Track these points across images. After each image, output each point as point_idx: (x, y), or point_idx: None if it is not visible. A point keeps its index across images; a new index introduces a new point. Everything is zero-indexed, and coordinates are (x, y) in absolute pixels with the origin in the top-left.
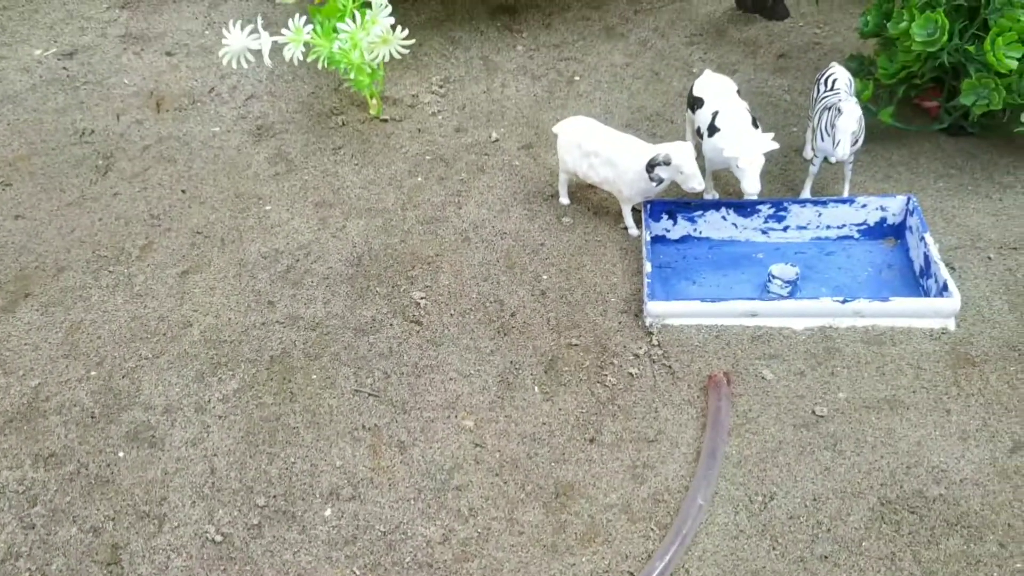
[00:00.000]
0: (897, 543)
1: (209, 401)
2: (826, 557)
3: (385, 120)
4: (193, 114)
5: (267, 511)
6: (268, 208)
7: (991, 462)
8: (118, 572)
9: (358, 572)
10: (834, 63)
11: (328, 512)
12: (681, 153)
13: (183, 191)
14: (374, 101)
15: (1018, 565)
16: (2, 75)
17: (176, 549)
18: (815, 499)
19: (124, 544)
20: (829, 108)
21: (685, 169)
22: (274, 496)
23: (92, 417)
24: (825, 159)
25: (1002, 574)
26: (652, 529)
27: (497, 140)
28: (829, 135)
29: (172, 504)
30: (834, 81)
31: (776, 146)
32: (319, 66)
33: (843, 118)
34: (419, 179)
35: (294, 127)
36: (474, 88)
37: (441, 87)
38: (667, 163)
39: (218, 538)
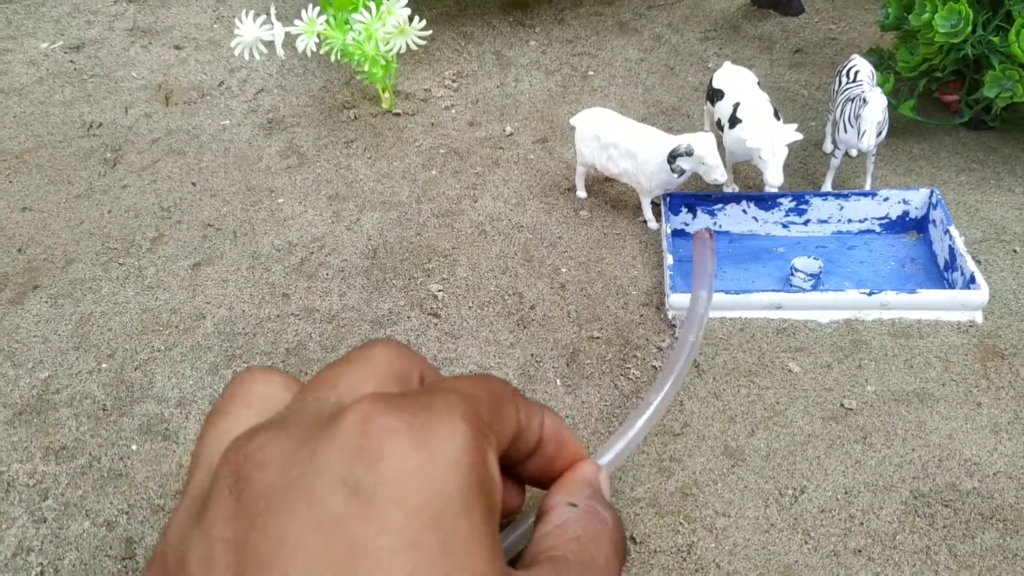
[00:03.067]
0: (931, 537)
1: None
2: (859, 551)
3: (398, 114)
4: (203, 107)
5: None
6: (280, 201)
7: None
8: (133, 567)
9: None
10: (855, 55)
11: None
12: (703, 144)
13: (193, 184)
14: (386, 95)
15: None
16: (8, 68)
17: None
18: (846, 492)
19: (139, 538)
20: (853, 99)
21: (707, 160)
22: None
23: (104, 410)
24: (846, 153)
25: None
26: (681, 523)
27: (511, 134)
28: (853, 126)
29: None
30: (856, 73)
31: (800, 137)
32: (332, 58)
33: (869, 107)
34: (433, 172)
35: (305, 121)
36: (487, 83)
37: (454, 81)
38: (689, 154)
39: None
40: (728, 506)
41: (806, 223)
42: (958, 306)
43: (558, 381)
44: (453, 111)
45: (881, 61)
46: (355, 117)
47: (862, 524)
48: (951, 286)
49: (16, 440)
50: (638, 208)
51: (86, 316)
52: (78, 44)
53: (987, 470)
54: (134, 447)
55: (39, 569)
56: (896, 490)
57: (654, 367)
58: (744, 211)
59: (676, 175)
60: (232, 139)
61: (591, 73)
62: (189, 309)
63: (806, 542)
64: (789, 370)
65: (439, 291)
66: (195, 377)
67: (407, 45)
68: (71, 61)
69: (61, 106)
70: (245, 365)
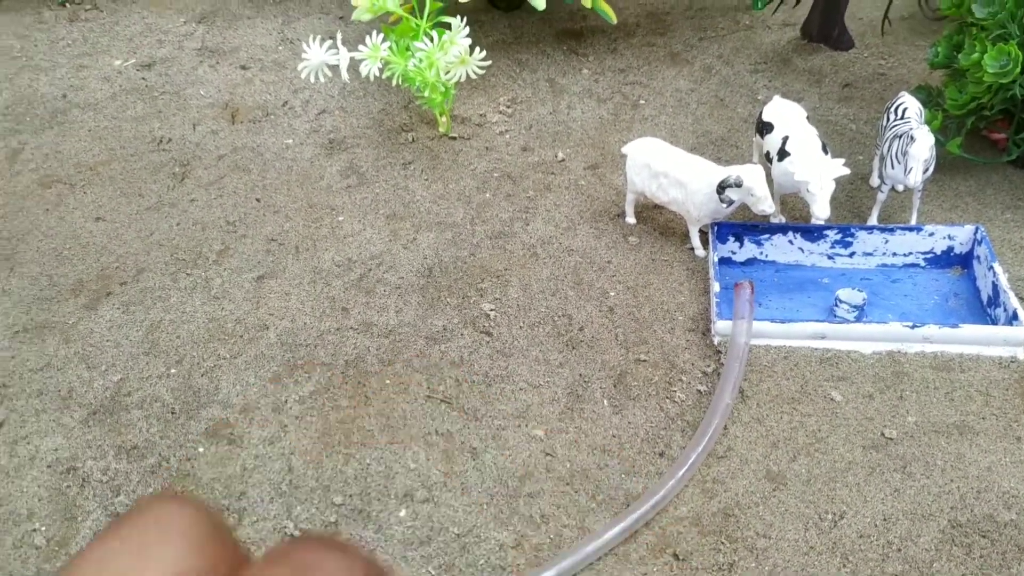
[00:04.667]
0: (968, 566)
1: (286, 402)
2: None
3: (454, 138)
4: (267, 126)
5: (343, 509)
6: (341, 219)
7: None
8: None
9: (433, 572)
10: (904, 92)
11: (403, 513)
12: (752, 175)
13: (258, 200)
14: (443, 119)
15: None
16: (84, 84)
17: (256, 542)
18: (885, 519)
19: None
20: (900, 136)
21: (756, 191)
22: (350, 495)
23: (172, 413)
24: (893, 188)
25: None
26: (723, 542)
27: (563, 160)
28: (900, 163)
29: (251, 499)
30: (904, 110)
31: (847, 171)
32: (393, 83)
33: (916, 145)
34: (487, 195)
35: (365, 142)
36: (540, 109)
37: (508, 107)
38: (738, 185)
39: (296, 534)
40: (769, 528)
41: (851, 255)
42: (1000, 342)
43: (605, 402)
44: (507, 136)
45: (930, 98)
46: (413, 139)
47: (900, 551)
48: (994, 322)
49: (90, 438)
50: (686, 236)
51: (156, 323)
52: (150, 62)
53: None
54: (200, 450)
55: None
56: (934, 519)
57: (699, 391)
58: (790, 242)
59: (725, 205)
60: (295, 158)
61: (642, 102)
62: (253, 320)
63: (844, 565)
64: (831, 399)
65: (491, 310)
66: (258, 385)
67: (467, 74)
68: (143, 78)
69: (133, 121)
70: (306, 375)
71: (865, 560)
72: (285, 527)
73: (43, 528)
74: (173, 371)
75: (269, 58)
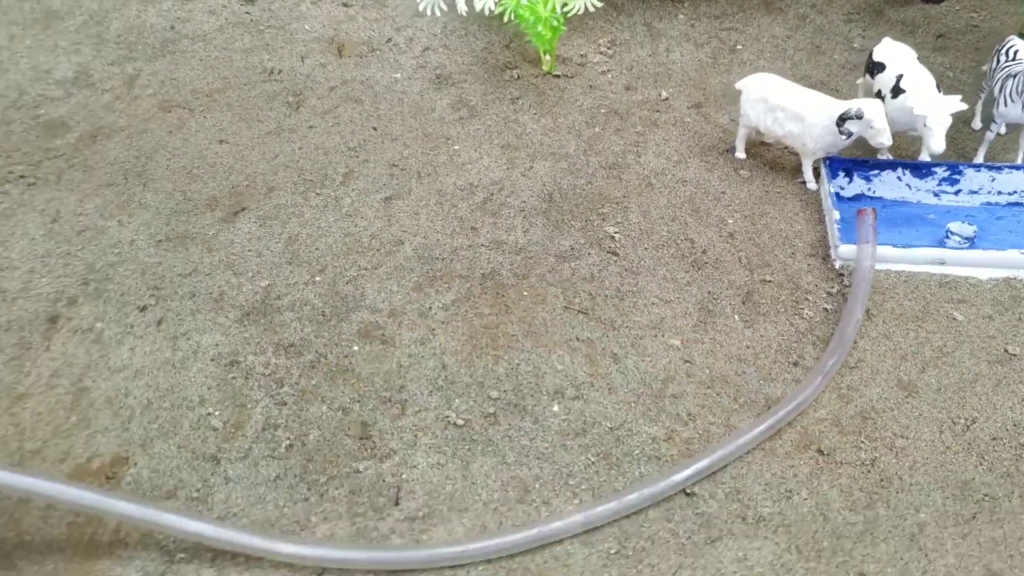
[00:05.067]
0: None
1: (430, 308)
2: None
3: (557, 76)
4: (373, 61)
5: (500, 403)
6: (456, 148)
7: None
8: (370, 445)
9: (592, 459)
10: (1012, 36)
11: (556, 408)
12: (873, 108)
13: (374, 128)
14: (547, 57)
15: None
16: (191, 16)
17: (422, 429)
18: (1015, 425)
19: (372, 422)
20: (1015, 75)
21: (876, 124)
22: (504, 391)
23: (323, 315)
24: (998, 130)
25: None
26: (863, 441)
27: (667, 99)
28: (1015, 101)
29: (411, 392)
30: (1015, 52)
31: (964, 107)
32: (505, 19)
33: None
34: (596, 129)
35: (471, 78)
36: (639, 51)
37: (608, 49)
38: (859, 117)
39: (459, 422)
40: (905, 430)
41: (956, 193)
42: None
43: (736, 317)
44: (609, 76)
45: None
46: (518, 77)
47: None
48: None
49: (248, 336)
50: (795, 170)
51: (293, 236)
52: None
53: None
54: (355, 348)
55: (288, 443)
56: None
57: (825, 309)
58: (899, 178)
59: (844, 137)
60: (404, 91)
61: (739, 47)
62: (387, 235)
63: (980, 464)
64: (953, 318)
65: (616, 233)
66: (402, 292)
67: (586, 7)
68: (247, 13)
69: (242, 53)
70: (446, 286)
71: (1000, 459)
72: (447, 416)
73: (217, 413)
74: (318, 279)
75: None
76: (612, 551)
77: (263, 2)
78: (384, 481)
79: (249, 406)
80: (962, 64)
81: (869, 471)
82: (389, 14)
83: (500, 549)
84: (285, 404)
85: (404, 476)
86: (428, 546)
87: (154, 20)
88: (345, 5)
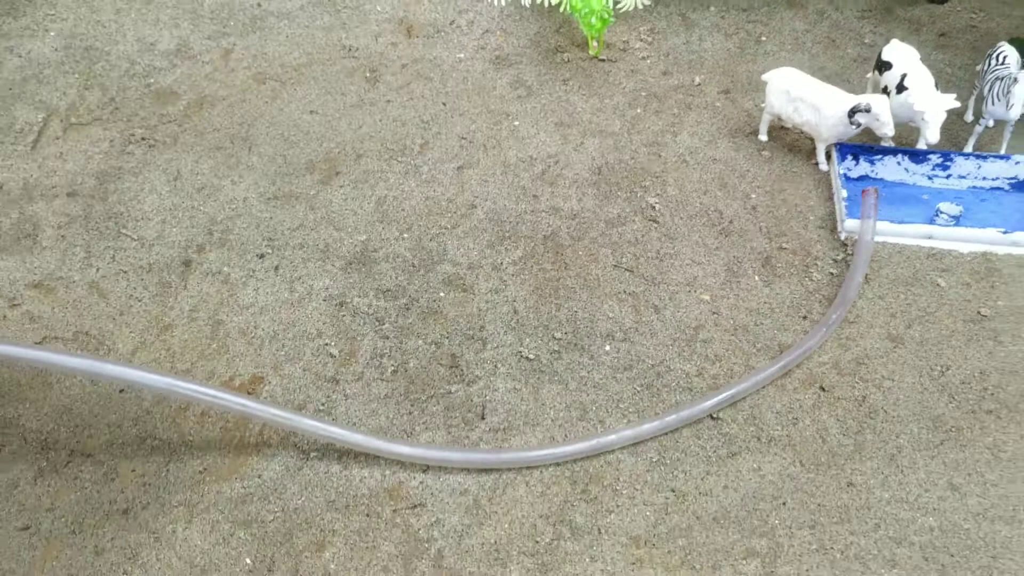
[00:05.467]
0: None
1: (502, 263)
2: (990, 411)
3: (603, 60)
4: (439, 41)
5: (562, 343)
6: (516, 123)
7: None
8: (459, 373)
9: (638, 389)
10: (1003, 42)
11: (608, 348)
12: (880, 104)
13: (444, 104)
14: (595, 43)
15: None
16: None
17: (500, 361)
18: (981, 372)
19: (459, 355)
20: (1002, 78)
21: (882, 117)
22: (565, 333)
23: (413, 266)
24: (987, 124)
25: None
26: (857, 382)
27: (700, 84)
28: (1001, 100)
29: (489, 332)
30: (1005, 57)
31: (958, 104)
32: (561, 9)
33: (1019, 86)
34: (638, 111)
35: (527, 59)
36: (675, 39)
37: (648, 36)
38: (867, 111)
39: (530, 357)
40: (892, 373)
41: (948, 177)
42: None
43: (756, 277)
44: (648, 61)
45: (1021, 49)
46: (568, 60)
47: (993, 395)
48: None
49: (352, 281)
50: (810, 153)
51: (382, 198)
52: None
53: None
54: (441, 294)
55: (392, 368)
56: (1019, 375)
57: (831, 273)
58: (898, 163)
59: (854, 127)
60: (468, 70)
61: (763, 39)
62: (462, 200)
63: (951, 401)
64: (937, 284)
65: (656, 203)
66: (478, 249)
67: (636, 4)
68: None
69: (322, 30)
70: (514, 244)
71: (967, 399)
72: (520, 351)
73: (332, 343)
74: (406, 236)
75: None
76: (654, 460)
77: None
78: (472, 401)
79: (358, 339)
80: (960, 61)
81: (860, 405)
82: None
83: (566, 455)
84: (387, 338)
85: (487, 397)
86: (509, 451)
87: None
88: None
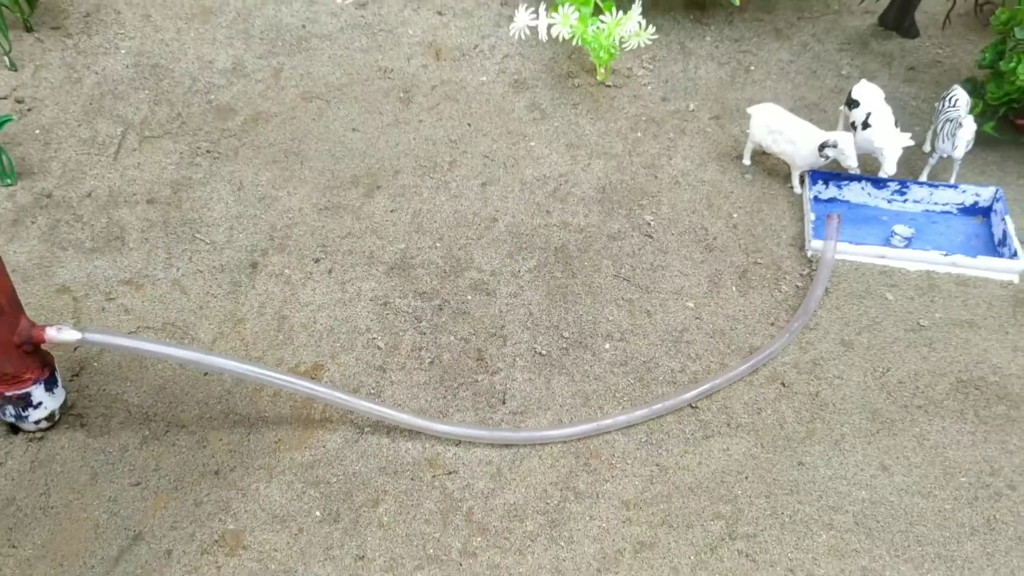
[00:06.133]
0: (965, 404)
1: (519, 271)
2: (920, 407)
3: (609, 86)
4: (464, 64)
5: (569, 341)
6: (532, 144)
7: None
8: (484, 365)
9: (631, 380)
10: (956, 85)
11: (607, 346)
12: (845, 140)
13: (469, 124)
14: (603, 70)
15: None
16: (317, 17)
17: (518, 355)
18: (916, 374)
19: (484, 349)
20: (951, 120)
21: (846, 152)
22: (572, 333)
23: (444, 272)
24: (940, 156)
25: None
26: (812, 379)
27: (694, 110)
28: (949, 140)
29: (509, 330)
30: (956, 100)
31: (912, 143)
32: (574, 42)
33: (963, 130)
34: (638, 134)
35: (541, 84)
36: (673, 67)
37: (649, 64)
38: (835, 146)
39: (543, 352)
40: (842, 372)
41: (904, 201)
42: (1004, 270)
43: (734, 288)
44: (649, 88)
45: (975, 89)
46: (577, 85)
47: (924, 393)
48: (1000, 256)
49: (393, 284)
50: (787, 177)
51: (417, 211)
52: (364, 1)
53: (1005, 372)
54: (469, 297)
55: (429, 360)
56: (947, 376)
57: (797, 286)
58: (862, 188)
59: (823, 159)
60: (490, 93)
61: (752, 68)
62: (485, 214)
63: (888, 398)
64: (886, 298)
65: (651, 220)
66: (499, 258)
67: (640, 43)
68: (361, 16)
69: (360, 52)
70: (530, 255)
71: (901, 396)
72: (535, 347)
73: (379, 337)
74: (438, 245)
75: (459, 7)
76: (642, 440)
77: (373, 6)
78: (495, 388)
79: (400, 334)
80: (925, 95)
81: (814, 399)
82: (475, 23)
83: (571, 435)
84: (424, 334)
85: (507, 386)
86: (525, 430)
87: (288, 19)
88: (440, 14)
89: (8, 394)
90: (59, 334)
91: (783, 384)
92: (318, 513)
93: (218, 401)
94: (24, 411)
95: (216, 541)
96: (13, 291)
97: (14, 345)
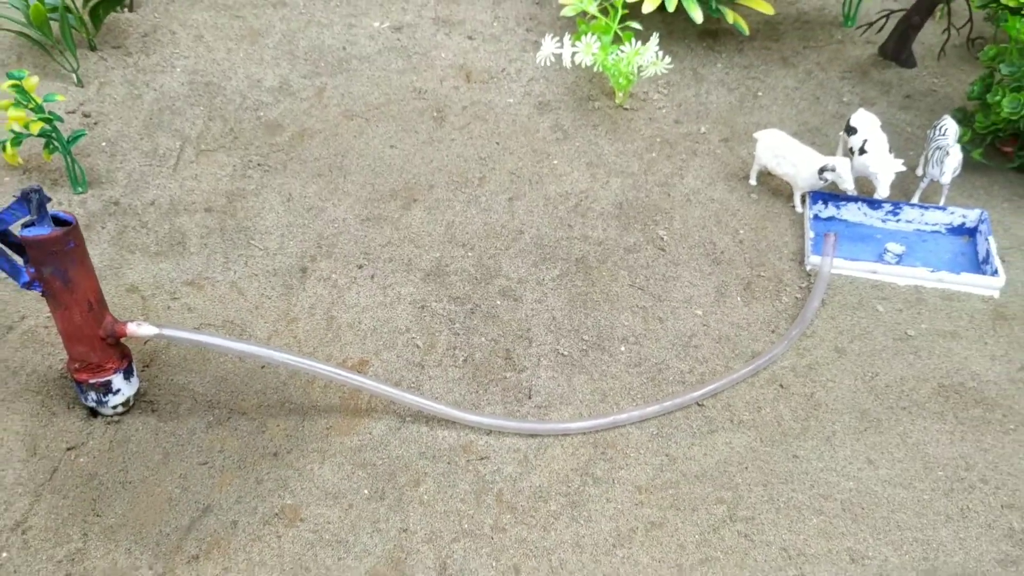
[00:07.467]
0: (945, 407)
1: (544, 280)
2: (904, 408)
3: (626, 109)
4: (493, 86)
5: (588, 343)
6: (555, 162)
7: (1007, 373)
8: (512, 363)
9: (645, 380)
10: (946, 115)
11: (623, 349)
12: (843, 165)
13: (497, 143)
14: (621, 94)
15: (1011, 427)
16: (355, 39)
17: (543, 356)
18: (902, 379)
19: (512, 350)
20: (940, 148)
21: (843, 175)
22: (591, 336)
23: (476, 279)
24: (931, 180)
25: (1003, 431)
26: (808, 381)
27: (704, 132)
28: (937, 166)
29: (534, 333)
30: (945, 129)
31: (904, 168)
32: (595, 69)
33: (950, 159)
34: (653, 155)
35: (564, 106)
36: (686, 92)
37: (664, 88)
38: (833, 170)
39: (565, 353)
40: (834, 376)
41: (898, 221)
42: (985, 286)
43: (739, 298)
44: (664, 111)
45: (965, 117)
46: (597, 107)
47: (908, 396)
48: (983, 273)
49: (429, 290)
50: (790, 197)
51: (450, 223)
52: (399, 26)
53: (983, 379)
54: (498, 302)
55: (463, 358)
56: (930, 381)
57: (797, 297)
58: (858, 208)
59: (822, 182)
60: (516, 113)
61: (760, 94)
62: (512, 227)
63: (876, 399)
64: (877, 309)
65: (664, 235)
66: (526, 267)
67: (657, 72)
68: (397, 39)
69: (396, 73)
70: (553, 265)
71: (888, 397)
72: (557, 349)
73: (418, 337)
74: (470, 254)
75: (487, 32)
76: (654, 433)
77: (407, 30)
78: (522, 385)
79: (436, 334)
80: (920, 122)
81: (809, 399)
82: (503, 48)
83: (590, 427)
84: (458, 335)
85: (533, 383)
86: (549, 421)
87: (330, 41)
88: (470, 38)
89: (92, 381)
90: (139, 329)
91: (781, 385)
92: (366, 491)
93: (275, 391)
94: (104, 397)
95: (276, 514)
96: (100, 290)
97: (100, 338)
